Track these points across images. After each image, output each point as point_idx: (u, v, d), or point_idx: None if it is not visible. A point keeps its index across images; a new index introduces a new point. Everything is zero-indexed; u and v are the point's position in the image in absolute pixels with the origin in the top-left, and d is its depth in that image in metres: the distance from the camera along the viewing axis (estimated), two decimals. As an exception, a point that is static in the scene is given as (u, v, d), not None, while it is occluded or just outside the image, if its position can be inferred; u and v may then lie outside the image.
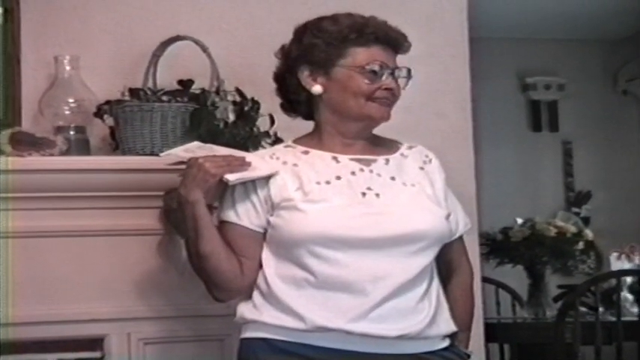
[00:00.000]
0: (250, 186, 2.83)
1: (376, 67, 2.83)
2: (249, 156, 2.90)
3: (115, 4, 3.77)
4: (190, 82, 3.57)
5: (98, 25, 3.74)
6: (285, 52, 2.95)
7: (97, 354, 3.45)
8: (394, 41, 2.88)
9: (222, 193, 2.85)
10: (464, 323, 2.98)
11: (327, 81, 2.87)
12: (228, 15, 3.84)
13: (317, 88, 2.88)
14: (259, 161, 2.87)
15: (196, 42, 3.55)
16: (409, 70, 2.90)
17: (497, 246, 5.64)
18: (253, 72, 3.60)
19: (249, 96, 3.53)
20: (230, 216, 2.84)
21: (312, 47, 2.86)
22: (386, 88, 2.85)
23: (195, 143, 3.01)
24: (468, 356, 2.97)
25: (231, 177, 2.79)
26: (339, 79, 2.85)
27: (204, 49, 3.54)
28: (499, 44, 7.30)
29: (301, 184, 2.81)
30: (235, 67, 3.61)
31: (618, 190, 7.90)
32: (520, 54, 7.85)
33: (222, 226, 2.84)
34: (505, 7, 6.94)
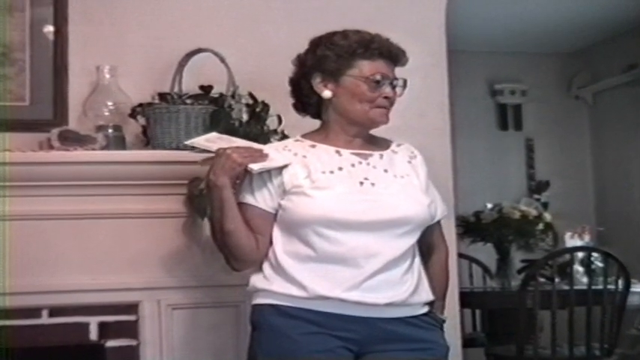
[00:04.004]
0: (266, 174, 2.83)
1: (379, 78, 2.82)
2: (266, 148, 2.89)
3: (147, 22, 3.75)
4: (210, 87, 3.56)
5: (133, 40, 3.72)
6: (300, 61, 2.93)
7: (132, 317, 3.45)
8: (395, 56, 2.87)
9: (242, 178, 2.84)
10: (440, 293, 2.99)
11: (336, 88, 2.85)
12: (242, 30, 3.82)
13: (327, 93, 2.87)
14: (275, 153, 2.86)
15: (215, 53, 3.54)
16: (405, 81, 2.88)
17: (471, 227, 5.63)
18: (264, 79, 3.59)
19: (260, 99, 3.53)
20: (249, 199, 2.84)
21: (324, 58, 2.85)
22: (385, 97, 2.84)
23: (215, 134, 3.00)
24: (443, 321, 2.97)
25: (254, 166, 2.78)
26: (347, 87, 2.84)
27: (222, 60, 3.53)
28: (472, 56, 7.26)
29: (309, 173, 2.81)
30: (248, 75, 3.58)
31: (572, 179, 7.88)
32: (489, 64, 7.82)
33: (242, 207, 2.82)
34: (477, 25, 6.92)
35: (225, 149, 2.79)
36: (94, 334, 3.42)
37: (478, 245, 5.80)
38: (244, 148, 2.84)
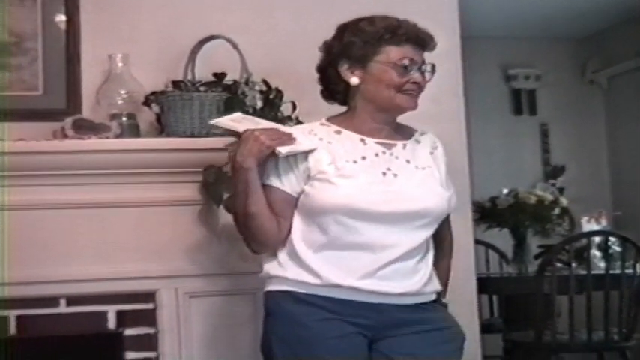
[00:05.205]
0: (292, 157, 2.81)
1: (406, 63, 2.80)
2: (293, 131, 2.86)
3: (159, 10, 3.74)
4: (223, 74, 3.55)
5: (145, 28, 3.72)
6: (327, 48, 2.91)
7: (149, 305, 3.46)
8: (422, 41, 2.84)
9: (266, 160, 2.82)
10: (444, 281, 2.99)
11: (363, 74, 2.83)
12: (255, 18, 3.80)
13: (355, 80, 2.84)
14: (301, 137, 2.83)
15: (228, 40, 3.53)
16: (433, 66, 2.86)
17: (487, 213, 5.61)
18: (277, 65, 3.59)
19: (273, 86, 3.52)
20: (275, 182, 2.81)
21: (351, 44, 2.83)
22: (414, 82, 2.81)
23: (239, 114, 2.99)
24: (446, 305, 2.98)
25: (282, 150, 2.76)
26: (374, 73, 2.82)
27: (235, 46, 3.51)
28: (486, 41, 7.23)
29: (334, 160, 2.79)
30: (261, 62, 3.56)
31: (588, 164, 7.85)
32: (503, 49, 7.79)
33: (266, 189, 2.80)
34: (491, 10, 6.90)
35: (253, 131, 2.77)
36: (111, 323, 3.43)
37: (494, 231, 5.79)
38: (272, 130, 2.83)
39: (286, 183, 2.82)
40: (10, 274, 3.28)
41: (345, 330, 2.74)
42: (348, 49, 2.83)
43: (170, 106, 3.43)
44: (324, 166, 2.79)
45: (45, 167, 3.29)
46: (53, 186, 3.32)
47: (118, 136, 3.40)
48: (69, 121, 3.39)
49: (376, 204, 2.74)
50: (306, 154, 2.81)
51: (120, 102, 3.52)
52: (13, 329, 3.34)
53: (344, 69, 2.85)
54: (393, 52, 2.80)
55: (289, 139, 2.80)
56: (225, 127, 2.90)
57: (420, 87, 2.84)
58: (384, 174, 2.81)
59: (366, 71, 2.83)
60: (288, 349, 2.75)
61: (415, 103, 2.86)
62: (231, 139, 2.93)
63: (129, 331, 3.44)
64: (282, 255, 2.81)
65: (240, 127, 2.82)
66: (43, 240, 3.33)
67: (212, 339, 3.48)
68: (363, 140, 2.85)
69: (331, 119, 2.92)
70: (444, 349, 2.82)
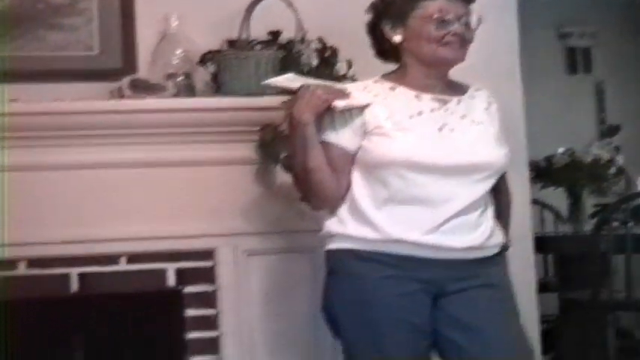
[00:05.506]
0: (348, 113, 2.81)
1: (444, 16, 2.79)
2: (347, 87, 2.87)
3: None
4: (278, 33, 3.55)
5: (201, -13, 3.71)
6: (372, 8, 2.93)
7: (209, 263, 3.49)
8: None
9: (322, 117, 2.82)
10: (506, 229, 2.99)
11: (404, 31, 2.84)
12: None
13: (397, 38, 2.86)
14: (357, 92, 2.84)
15: (283, -2, 3.53)
16: (479, 18, 2.86)
17: (542, 172, 5.58)
18: (332, 23, 3.56)
19: (329, 44, 3.51)
20: (332, 137, 2.82)
21: (391, 3, 2.85)
22: (454, 34, 2.80)
23: (292, 74, 2.99)
24: (508, 247, 2.96)
25: (339, 104, 2.77)
26: (414, 29, 2.82)
27: (290, 4, 3.50)
28: (540, -1, 7.18)
29: (390, 115, 2.79)
30: (317, 20, 3.54)
31: (644, 122, 7.79)
32: (558, 7, 7.69)
33: (323, 145, 2.81)
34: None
35: (309, 86, 2.79)
36: (171, 280, 3.47)
37: (549, 190, 5.75)
38: (330, 86, 2.84)
39: (343, 138, 2.82)
40: (72, 233, 3.33)
41: (409, 287, 2.74)
42: (389, 7, 2.86)
43: (226, 65, 3.44)
44: (381, 120, 2.79)
45: (104, 127, 3.32)
46: (112, 145, 3.36)
47: (174, 96, 3.41)
48: (126, 80, 3.41)
49: (435, 157, 2.75)
50: (362, 108, 2.81)
51: (175, 62, 3.52)
52: (75, 287, 3.39)
53: (387, 28, 2.87)
54: (430, 7, 2.81)
55: (344, 94, 2.81)
56: (279, 86, 2.91)
57: (462, 39, 2.83)
58: (440, 129, 2.81)
59: (407, 28, 2.84)
60: (351, 308, 2.77)
61: (460, 55, 2.85)
62: (279, 99, 2.92)
63: (188, 289, 3.48)
64: (343, 211, 2.82)
65: (295, 85, 2.83)
66: (103, 199, 3.37)
67: (271, 297, 3.51)
68: (417, 96, 2.85)
69: (385, 76, 2.93)
70: (506, 308, 2.83)
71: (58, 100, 3.33)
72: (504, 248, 2.93)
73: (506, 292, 2.88)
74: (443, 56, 2.83)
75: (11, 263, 3.34)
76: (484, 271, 2.82)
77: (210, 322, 3.49)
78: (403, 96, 2.85)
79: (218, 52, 3.50)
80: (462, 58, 2.86)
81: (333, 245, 2.84)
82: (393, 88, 2.87)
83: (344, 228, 2.80)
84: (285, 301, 3.51)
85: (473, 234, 2.80)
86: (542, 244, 5.31)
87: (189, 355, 3.49)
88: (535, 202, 5.57)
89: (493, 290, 2.82)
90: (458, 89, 2.93)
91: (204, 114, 3.39)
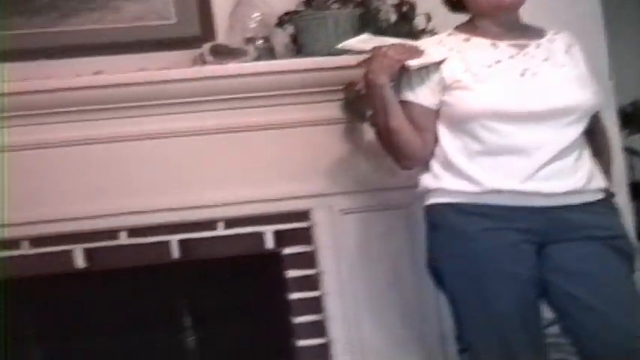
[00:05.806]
0: (424, 70, 2.79)
1: None
2: (421, 44, 2.85)
3: None
4: (355, -10, 3.52)
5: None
6: None
7: (305, 224, 3.52)
8: None
9: (399, 77, 2.81)
10: (607, 169, 2.93)
11: None
12: None
13: None
14: (431, 49, 2.82)
15: (358, -46, 3.49)
16: None
17: (629, 118, 5.50)
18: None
19: (406, -1, 3.48)
20: (409, 96, 2.81)
21: None
22: None
23: (366, 35, 2.97)
24: (613, 194, 2.90)
25: (412, 63, 2.75)
26: None
27: (365, -41, 3.47)
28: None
29: (468, 67, 2.76)
30: (393, -26, 3.52)
31: None
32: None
33: (403, 105, 2.80)
34: None
35: (380, 47, 2.76)
36: (270, 243, 3.50)
37: (636, 137, 5.66)
38: (400, 45, 2.81)
39: (421, 96, 2.80)
40: (168, 201, 3.39)
41: (513, 238, 2.71)
42: None
43: (305, 26, 3.42)
44: (458, 74, 2.76)
45: (187, 94, 3.34)
46: (196, 112, 3.38)
47: (255, 59, 3.41)
48: (207, 47, 3.41)
49: (520, 104, 2.71)
50: (437, 64, 2.79)
51: (253, 25, 3.51)
52: (176, 253, 3.45)
53: None
54: None
55: (418, 52, 2.79)
56: (354, 49, 2.89)
57: None
58: (522, 74, 2.76)
59: None
60: (456, 262, 2.75)
61: None
62: (358, 57, 2.90)
63: (287, 250, 3.52)
64: (436, 167, 2.80)
65: (368, 46, 2.81)
66: (195, 165, 3.40)
67: (370, 255, 3.52)
68: (493, 44, 2.81)
69: (458, 28, 2.91)
70: (615, 261, 2.76)
71: (143, 69, 3.34)
72: (610, 195, 2.87)
73: (616, 245, 2.78)
74: (497, 1, 2.79)
75: (112, 232, 3.43)
76: (592, 220, 2.76)
77: (311, 283, 3.52)
78: (479, 46, 2.82)
79: (295, 13, 3.48)
80: (520, 1, 2.80)
81: (431, 200, 2.82)
82: (467, 40, 2.84)
83: (440, 182, 2.78)
84: (385, 257, 3.52)
85: (572, 178, 2.74)
86: (634, 190, 5.25)
87: (293, 315, 3.53)
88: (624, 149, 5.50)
89: (601, 243, 2.75)
90: (536, 33, 2.89)
91: (287, 76, 3.38)
